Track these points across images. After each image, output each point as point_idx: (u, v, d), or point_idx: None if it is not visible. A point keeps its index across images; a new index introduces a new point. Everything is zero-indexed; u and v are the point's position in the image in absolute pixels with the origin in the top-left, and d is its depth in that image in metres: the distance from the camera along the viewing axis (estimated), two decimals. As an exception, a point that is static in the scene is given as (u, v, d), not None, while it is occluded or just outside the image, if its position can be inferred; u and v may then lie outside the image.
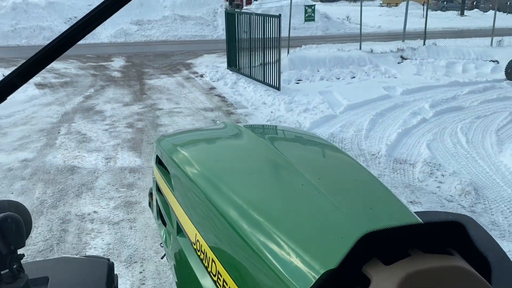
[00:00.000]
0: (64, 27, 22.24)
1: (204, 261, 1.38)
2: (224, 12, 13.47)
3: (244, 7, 26.22)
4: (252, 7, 24.43)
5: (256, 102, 8.92)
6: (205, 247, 1.38)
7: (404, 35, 15.16)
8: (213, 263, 1.30)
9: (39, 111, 8.53)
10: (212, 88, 10.57)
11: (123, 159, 5.95)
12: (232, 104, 8.98)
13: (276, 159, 1.65)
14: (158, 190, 2.09)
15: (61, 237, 4.03)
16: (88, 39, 20.60)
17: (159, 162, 2.09)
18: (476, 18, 28.18)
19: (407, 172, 5.37)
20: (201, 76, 12.01)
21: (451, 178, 5.01)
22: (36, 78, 11.41)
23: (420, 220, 1.14)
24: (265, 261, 1.08)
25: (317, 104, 8.25)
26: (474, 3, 37.64)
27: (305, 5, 13.42)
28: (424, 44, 13.49)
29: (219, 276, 1.25)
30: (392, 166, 5.55)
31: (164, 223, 2.03)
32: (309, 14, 12.68)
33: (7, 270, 1.15)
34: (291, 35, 18.23)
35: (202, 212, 1.49)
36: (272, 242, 1.11)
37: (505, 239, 3.94)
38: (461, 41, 14.54)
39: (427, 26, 13.87)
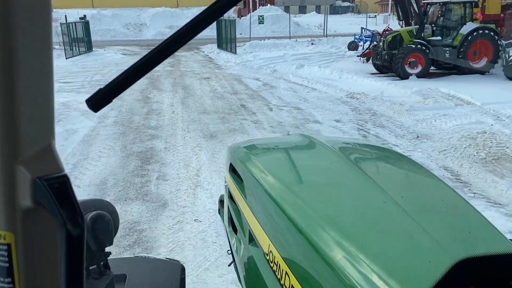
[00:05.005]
0: (122, 30, 34.05)
1: (277, 273, 1.35)
2: (217, 19, 24.75)
3: (243, 16, 37.48)
4: (247, 16, 35.49)
5: (223, 58, 20.02)
6: (279, 258, 1.34)
7: (324, 32, 26.00)
8: (286, 275, 1.27)
9: (128, 61, 19.78)
10: (206, 55, 21.75)
11: (167, 68, 17.02)
12: (213, 59, 20.10)
13: (353, 173, 1.58)
14: (231, 197, 2.09)
15: (155, 82, 15.03)
16: (138, 37, 32.25)
17: (232, 170, 2.08)
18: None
19: (261, 70, 16.20)
20: (203, 51, 23.28)
21: (269, 69, 15.85)
22: (120, 54, 22.85)
23: None
24: (343, 279, 1.03)
25: (248, 58, 19.16)
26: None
27: (258, 15, 24.45)
28: (326, 36, 24.29)
29: None
30: (256, 69, 16.43)
31: (235, 231, 2.02)
32: (260, 20, 23.66)
33: (95, 266, 1.22)
34: (270, 35, 29.84)
35: (277, 224, 1.45)
36: (351, 260, 1.06)
37: (274, 89, 14.70)
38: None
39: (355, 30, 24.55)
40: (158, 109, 10.00)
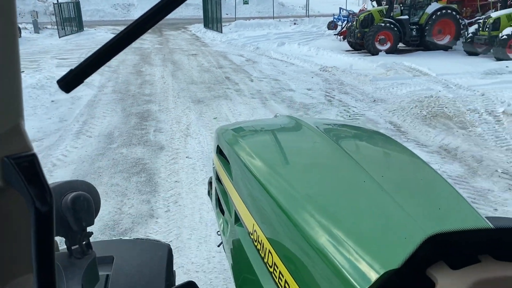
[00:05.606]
0: (110, 10, 34.71)
1: (260, 252, 1.39)
2: (203, -1, 25.66)
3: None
4: (233, -2, 36.30)
5: (210, 36, 21.08)
6: (262, 237, 1.38)
7: (307, 13, 27.08)
8: (269, 254, 1.31)
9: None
10: (193, 34, 22.78)
11: (156, 46, 18.06)
12: (199, 37, 21.15)
13: (336, 154, 1.61)
14: (218, 179, 2.12)
15: (146, 58, 16.10)
16: (126, 17, 32.95)
17: (219, 152, 2.11)
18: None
19: (245, 47, 17.35)
20: (190, 30, 24.29)
21: (252, 46, 17.00)
22: (110, 34, 23.72)
23: (491, 225, 1.05)
24: (322, 256, 1.06)
25: (233, 37, 20.25)
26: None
27: (243, -4, 25.47)
28: (308, 16, 25.40)
29: (275, 267, 1.27)
30: (240, 46, 17.57)
31: (223, 212, 2.06)
32: (245, 0, 24.67)
33: (77, 246, 1.23)
34: (255, 15, 30.77)
35: (261, 203, 1.49)
36: (330, 238, 1.09)
37: (256, 64, 15.88)
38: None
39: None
40: (150, 80, 11.17)
